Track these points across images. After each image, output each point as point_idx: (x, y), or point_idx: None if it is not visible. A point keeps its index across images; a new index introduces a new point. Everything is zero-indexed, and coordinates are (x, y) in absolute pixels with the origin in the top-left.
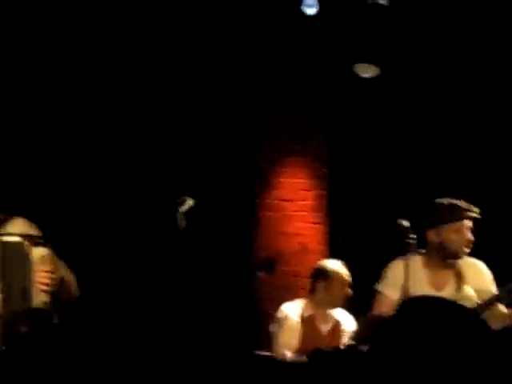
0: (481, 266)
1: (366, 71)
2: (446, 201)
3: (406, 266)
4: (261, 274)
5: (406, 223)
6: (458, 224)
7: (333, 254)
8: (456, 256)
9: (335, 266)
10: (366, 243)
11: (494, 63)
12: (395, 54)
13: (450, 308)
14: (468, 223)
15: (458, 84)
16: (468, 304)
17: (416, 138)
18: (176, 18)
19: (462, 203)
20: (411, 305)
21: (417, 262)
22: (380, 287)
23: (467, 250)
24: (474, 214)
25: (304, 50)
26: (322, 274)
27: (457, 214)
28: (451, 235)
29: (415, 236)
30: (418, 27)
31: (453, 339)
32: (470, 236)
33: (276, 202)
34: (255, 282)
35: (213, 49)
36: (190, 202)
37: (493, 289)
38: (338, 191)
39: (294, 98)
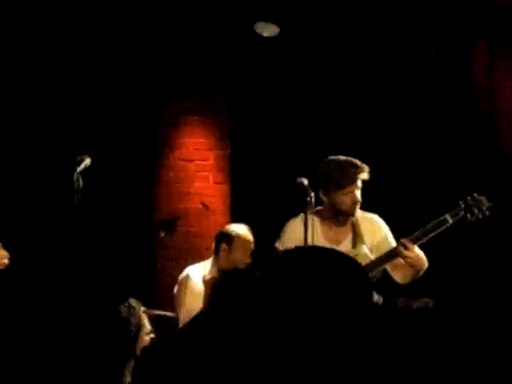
0: (376, 219)
1: (267, 30)
2: (334, 163)
3: (303, 224)
4: (161, 235)
5: (305, 181)
6: (346, 188)
7: (234, 214)
8: (347, 214)
9: (240, 230)
10: (268, 201)
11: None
12: (295, 14)
13: (327, 256)
14: (355, 186)
15: (358, 44)
16: (362, 261)
17: (316, 97)
18: None
19: (350, 165)
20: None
21: (314, 219)
22: (279, 245)
23: (356, 209)
24: (363, 177)
25: (203, 9)
26: (226, 238)
27: (345, 179)
28: (339, 197)
29: (313, 194)
30: None
31: (328, 288)
32: (357, 197)
33: (177, 161)
34: (155, 243)
35: (119, 11)
36: (87, 162)
37: (390, 241)
38: (240, 151)
39: (194, 58)
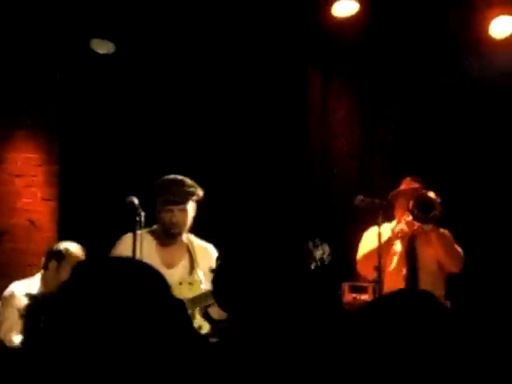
0: (211, 249)
1: (102, 47)
2: (164, 180)
3: (134, 242)
4: None
5: (135, 200)
6: (166, 206)
7: (62, 231)
8: (167, 233)
9: (72, 248)
10: (97, 219)
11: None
12: (131, 31)
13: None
14: (178, 206)
15: (194, 63)
16: (196, 288)
17: (150, 115)
18: None
19: (178, 183)
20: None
21: (146, 237)
22: None
23: (176, 230)
24: (193, 198)
25: (38, 23)
26: (56, 255)
27: (167, 197)
28: (160, 214)
29: (143, 213)
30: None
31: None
32: (177, 218)
33: (4, 176)
34: None
35: None
36: None
37: None
38: (70, 167)
39: (26, 72)
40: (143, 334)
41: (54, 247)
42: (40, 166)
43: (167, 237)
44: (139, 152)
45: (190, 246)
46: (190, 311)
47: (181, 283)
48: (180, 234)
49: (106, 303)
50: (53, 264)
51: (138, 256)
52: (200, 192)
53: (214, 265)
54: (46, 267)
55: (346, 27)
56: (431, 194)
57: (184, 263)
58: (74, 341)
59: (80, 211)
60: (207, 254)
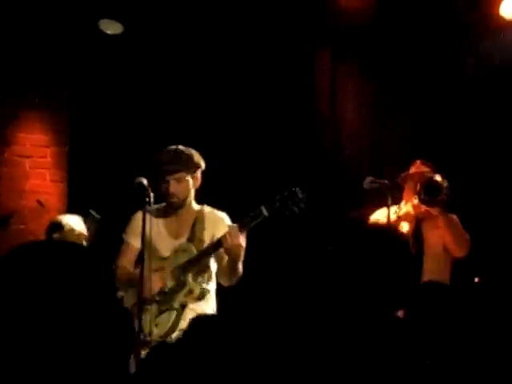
0: (222, 217)
1: (111, 28)
2: (164, 151)
3: (144, 217)
4: None
5: (144, 181)
6: (160, 178)
7: (71, 212)
8: (174, 206)
9: (71, 220)
10: (106, 200)
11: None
12: (139, 12)
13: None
14: (166, 177)
15: (202, 45)
16: (189, 254)
17: (158, 95)
18: None
19: (177, 153)
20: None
21: (154, 213)
22: (125, 237)
23: (175, 200)
24: (168, 168)
25: (47, 4)
26: (57, 228)
27: (158, 170)
28: (160, 187)
29: (152, 194)
30: None
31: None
32: (172, 188)
33: (13, 157)
34: None
35: None
36: None
37: None
38: (79, 148)
39: (35, 52)
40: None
41: (54, 220)
42: (49, 147)
43: (170, 208)
44: (148, 133)
45: (198, 216)
46: (181, 277)
47: (176, 251)
48: (180, 203)
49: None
50: (56, 238)
51: (147, 233)
52: (199, 162)
53: (220, 233)
54: None
55: (355, 9)
56: (438, 178)
57: (187, 232)
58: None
59: (89, 192)
60: (216, 221)
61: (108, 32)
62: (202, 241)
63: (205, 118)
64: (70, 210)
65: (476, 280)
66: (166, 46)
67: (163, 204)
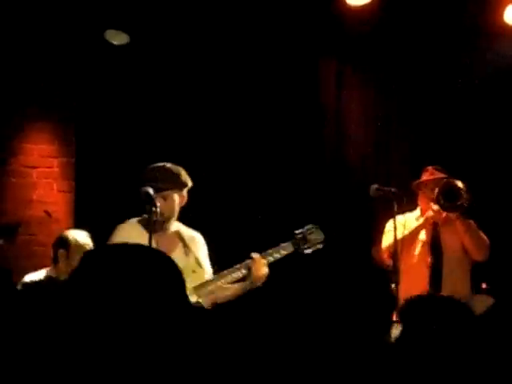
0: (199, 237)
1: (117, 38)
2: (147, 168)
3: (150, 236)
4: (0, 242)
5: (150, 190)
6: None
7: (79, 223)
8: (157, 223)
9: (78, 235)
10: (113, 211)
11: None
12: (145, 22)
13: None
14: (159, 194)
15: (207, 55)
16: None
17: (164, 106)
18: None
19: (165, 171)
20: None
21: (136, 227)
22: None
23: (159, 218)
24: (156, 185)
25: (53, 15)
26: (64, 243)
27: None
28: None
29: (159, 204)
30: None
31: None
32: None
33: (20, 168)
34: None
35: None
36: None
37: (205, 262)
38: (86, 159)
39: (42, 63)
40: (151, 320)
41: (61, 236)
42: (56, 157)
43: (154, 224)
44: (155, 143)
45: (180, 234)
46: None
47: (194, 271)
48: (165, 221)
49: (115, 289)
50: (61, 253)
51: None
52: (187, 180)
53: (201, 253)
54: (55, 260)
55: (360, 16)
56: (457, 182)
57: (179, 248)
58: (82, 329)
59: (96, 203)
60: (194, 240)
61: (114, 42)
62: (194, 257)
63: (211, 128)
64: (78, 219)
65: (483, 286)
66: (172, 57)
67: (145, 216)
